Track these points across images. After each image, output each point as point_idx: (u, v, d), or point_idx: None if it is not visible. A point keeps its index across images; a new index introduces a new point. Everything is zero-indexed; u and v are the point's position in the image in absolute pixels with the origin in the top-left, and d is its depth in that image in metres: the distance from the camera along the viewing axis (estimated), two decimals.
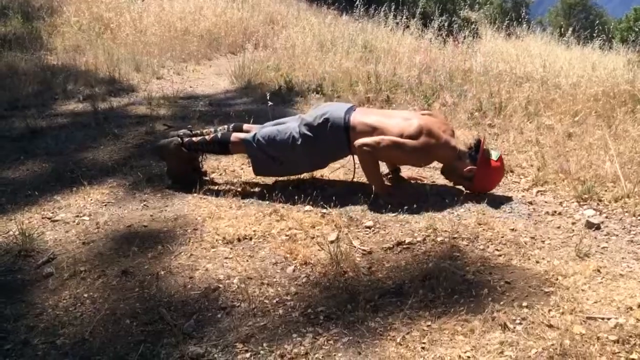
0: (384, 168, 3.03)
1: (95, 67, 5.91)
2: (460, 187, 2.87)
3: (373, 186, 2.77)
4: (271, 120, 3.03)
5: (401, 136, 2.64)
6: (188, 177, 2.97)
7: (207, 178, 3.08)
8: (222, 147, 2.94)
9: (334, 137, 2.75)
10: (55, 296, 1.99)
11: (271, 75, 5.82)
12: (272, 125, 2.93)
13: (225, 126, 3.09)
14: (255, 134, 2.87)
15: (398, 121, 2.72)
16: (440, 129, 2.75)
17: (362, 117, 2.76)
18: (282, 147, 2.81)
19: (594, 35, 8.90)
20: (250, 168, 2.97)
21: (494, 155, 2.73)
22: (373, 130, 2.69)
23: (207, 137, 2.95)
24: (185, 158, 2.95)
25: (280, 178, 3.04)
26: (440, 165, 2.89)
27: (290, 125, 2.86)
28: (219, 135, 2.95)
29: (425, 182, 3.03)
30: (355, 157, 2.85)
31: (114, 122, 4.10)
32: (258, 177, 3.04)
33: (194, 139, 2.96)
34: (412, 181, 3.03)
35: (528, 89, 4.68)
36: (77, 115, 4.37)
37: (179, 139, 2.94)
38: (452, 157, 2.75)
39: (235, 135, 2.93)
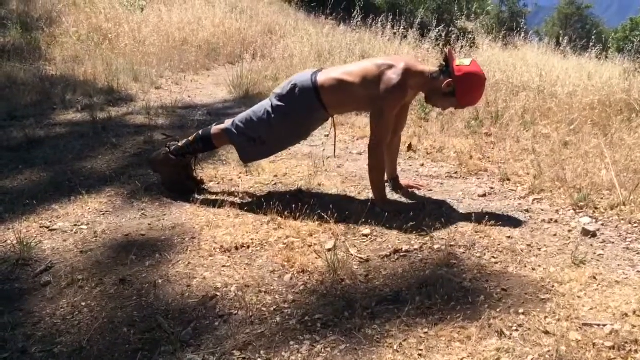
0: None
1: (93, 77, 5.94)
2: (448, 109, 2.87)
3: (372, 193, 2.78)
4: None
5: (365, 79, 2.63)
6: (183, 185, 2.98)
7: (204, 186, 3.08)
8: (206, 142, 2.93)
9: (305, 100, 2.72)
10: (53, 305, 1.99)
11: (269, 85, 5.85)
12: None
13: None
14: (233, 121, 2.87)
15: (359, 68, 2.71)
16: (398, 60, 2.70)
17: (327, 74, 2.74)
18: (261, 126, 2.79)
19: (591, 45, 8.96)
20: (244, 175, 2.98)
21: (467, 62, 2.64)
22: (340, 84, 2.68)
23: (190, 138, 2.95)
24: (176, 165, 2.94)
25: (277, 187, 3.05)
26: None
27: (264, 102, 2.86)
28: (201, 132, 2.96)
29: (422, 190, 3.04)
30: (335, 120, 2.83)
31: (113, 132, 4.11)
32: (254, 185, 3.04)
33: (179, 143, 2.97)
34: (410, 189, 3.04)
35: (525, 98, 4.72)
36: (75, 125, 4.38)
37: (167, 148, 2.95)
38: (425, 82, 2.68)
39: (216, 127, 2.92)
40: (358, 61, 2.92)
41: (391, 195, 2.96)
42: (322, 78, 2.72)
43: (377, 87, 2.62)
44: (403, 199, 2.93)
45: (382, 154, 2.75)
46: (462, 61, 2.64)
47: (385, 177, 3.02)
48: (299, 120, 2.81)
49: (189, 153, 2.97)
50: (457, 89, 2.62)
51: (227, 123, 2.89)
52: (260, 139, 2.81)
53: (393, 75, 2.61)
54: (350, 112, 2.84)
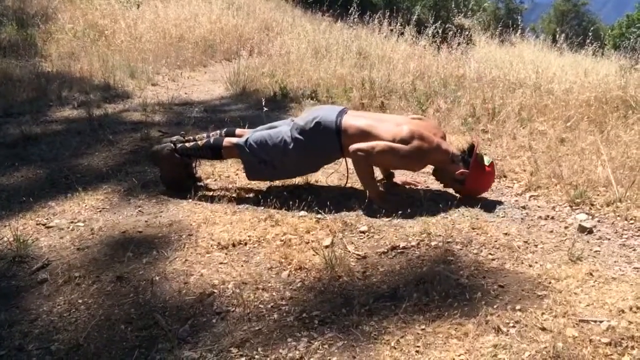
0: (377, 173, 3.04)
1: (90, 74, 5.92)
2: (451, 190, 2.89)
3: (367, 192, 2.78)
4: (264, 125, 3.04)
5: (394, 141, 2.66)
6: (181, 183, 2.97)
7: (201, 184, 3.08)
8: (215, 152, 2.94)
9: (325, 140, 2.76)
10: (49, 302, 1.99)
11: (266, 82, 5.84)
12: (264, 130, 2.94)
13: (218, 131, 3.09)
14: (247, 139, 2.87)
15: (390, 126, 2.73)
16: (431, 132, 2.76)
17: (353, 120, 2.76)
18: (275, 151, 2.81)
19: (588, 41, 8.97)
20: (244, 174, 2.98)
21: (486, 161, 2.75)
22: (364, 134, 2.70)
23: (199, 142, 2.95)
24: (178, 164, 2.94)
25: (275, 183, 3.05)
26: (432, 168, 2.91)
27: (282, 129, 2.87)
28: (212, 140, 2.95)
29: (419, 187, 3.04)
30: (348, 160, 2.87)
31: (109, 129, 4.10)
32: (252, 182, 3.04)
33: (186, 144, 2.96)
34: (407, 186, 3.04)
35: (521, 95, 4.72)
36: (71, 121, 4.37)
37: (172, 144, 2.94)
38: (444, 160, 2.76)
39: (228, 140, 2.93)
40: (389, 113, 2.97)
41: (387, 193, 2.96)
42: (346, 123, 2.74)
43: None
44: (400, 196, 2.93)
45: (369, 165, 2.79)
46: (482, 158, 2.74)
47: (381, 175, 3.03)
48: (314, 156, 2.85)
49: (194, 156, 2.98)
50: (468, 180, 2.73)
51: (241, 140, 2.89)
52: (272, 163, 2.84)
53: (425, 146, 2.67)
54: None
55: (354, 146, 2.68)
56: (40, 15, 7.74)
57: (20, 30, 7.10)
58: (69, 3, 8.46)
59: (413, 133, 2.66)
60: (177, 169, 2.96)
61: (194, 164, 3.06)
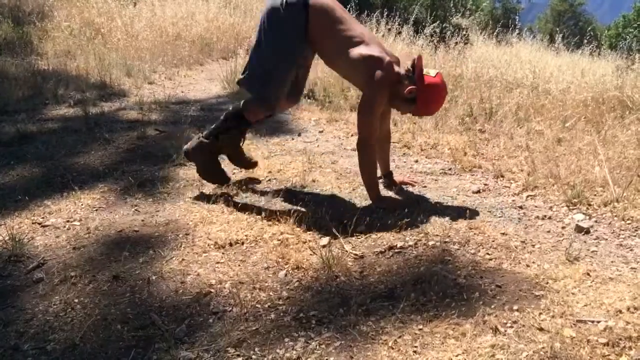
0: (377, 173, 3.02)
1: (86, 72, 5.90)
2: (406, 114, 2.86)
3: (366, 189, 2.77)
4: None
5: (356, 60, 2.61)
6: (217, 174, 2.96)
7: (255, 169, 3.14)
8: (236, 116, 2.88)
9: (293, 17, 2.64)
10: (45, 301, 1.98)
11: None
12: None
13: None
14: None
15: (357, 39, 2.66)
16: (382, 52, 2.68)
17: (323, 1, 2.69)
18: (260, 57, 2.76)
19: (585, 41, 8.99)
20: (239, 171, 2.96)
21: (432, 73, 2.65)
22: (332, 17, 2.65)
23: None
24: (210, 150, 2.90)
25: (272, 183, 3.04)
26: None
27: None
28: (230, 108, 2.93)
29: (416, 186, 3.04)
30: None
31: (105, 127, 4.09)
32: (252, 182, 3.02)
33: (211, 126, 2.94)
34: (404, 185, 3.04)
35: (518, 94, 4.72)
36: (68, 120, 4.35)
37: (200, 134, 2.93)
38: (395, 82, 2.66)
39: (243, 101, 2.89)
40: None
41: (385, 192, 2.95)
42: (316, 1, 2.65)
43: (362, 69, 2.61)
44: (397, 196, 2.93)
45: (373, 151, 2.74)
46: (428, 71, 2.65)
47: (379, 173, 3.02)
48: (284, 37, 2.70)
49: (221, 132, 2.91)
50: (418, 97, 2.64)
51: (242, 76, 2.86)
52: (266, 70, 2.74)
53: (384, 73, 2.60)
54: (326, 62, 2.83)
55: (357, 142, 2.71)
56: (36, 12, 7.71)
57: (16, 28, 7.07)
58: (65, 1, 8.43)
59: (370, 57, 2.61)
60: (209, 156, 2.91)
61: (240, 141, 3.00)
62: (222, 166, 3.00)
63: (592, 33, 10.19)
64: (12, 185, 3.04)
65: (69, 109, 4.66)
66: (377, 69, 2.60)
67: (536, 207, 2.77)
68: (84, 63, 6.11)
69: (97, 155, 3.52)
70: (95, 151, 3.59)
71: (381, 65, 2.61)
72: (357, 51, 2.63)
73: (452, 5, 13.66)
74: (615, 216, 2.61)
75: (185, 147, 2.97)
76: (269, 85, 2.75)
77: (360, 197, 2.83)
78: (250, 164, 3.13)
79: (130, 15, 8.13)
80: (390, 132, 3.14)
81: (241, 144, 3.04)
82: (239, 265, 2.20)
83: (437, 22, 8.33)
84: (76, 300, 1.97)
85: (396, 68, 2.69)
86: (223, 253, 2.29)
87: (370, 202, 2.74)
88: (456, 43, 7.76)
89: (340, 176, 3.17)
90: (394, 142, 3.12)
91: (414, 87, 2.62)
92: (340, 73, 2.93)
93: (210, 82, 6.39)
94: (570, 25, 31.71)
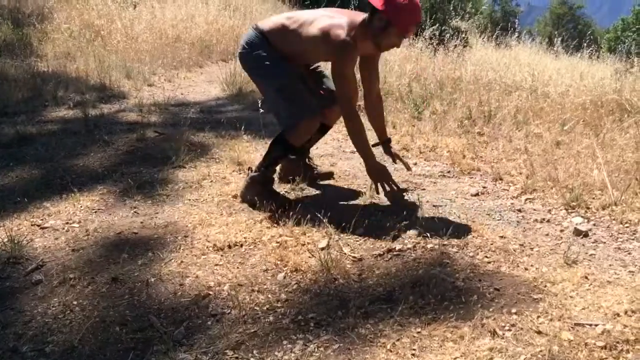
0: (371, 139, 2.91)
1: (86, 74, 5.90)
2: (402, 45, 2.83)
3: (366, 190, 2.75)
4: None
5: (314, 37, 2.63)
6: (277, 198, 2.79)
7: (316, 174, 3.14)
8: (281, 141, 2.81)
9: (259, 47, 2.74)
10: (44, 303, 1.98)
11: None
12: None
13: None
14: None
15: (308, 18, 2.71)
16: (339, 15, 2.68)
17: (267, 20, 2.82)
18: (268, 98, 2.88)
19: (584, 45, 8.99)
20: (237, 173, 2.96)
21: None
22: (284, 26, 2.72)
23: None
24: (261, 182, 2.80)
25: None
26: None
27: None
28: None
29: (414, 189, 3.04)
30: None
31: (105, 129, 4.09)
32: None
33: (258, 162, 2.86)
34: (397, 160, 3.04)
35: (517, 97, 4.73)
36: (67, 122, 4.36)
37: (248, 171, 2.86)
38: (366, 30, 2.61)
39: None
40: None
41: (382, 159, 2.93)
42: (264, 25, 2.77)
43: (321, 40, 2.61)
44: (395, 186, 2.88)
45: (356, 115, 2.71)
46: None
47: (377, 140, 3.01)
48: (266, 67, 2.76)
49: (270, 164, 2.83)
50: (388, 16, 2.53)
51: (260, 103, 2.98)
52: (275, 87, 2.78)
53: (339, 31, 2.58)
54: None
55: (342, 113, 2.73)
56: (36, 14, 7.72)
57: (16, 30, 7.08)
58: (65, 3, 8.43)
59: (323, 27, 2.62)
60: (265, 189, 2.80)
61: (307, 156, 3.07)
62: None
63: (591, 36, 10.18)
64: (11, 187, 3.04)
65: (68, 111, 4.66)
66: (332, 31, 2.59)
67: (535, 210, 2.78)
68: (83, 65, 6.12)
69: (97, 157, 3.53)
70: (95, 153, 3.59)
71: (337, 27, 2.59)
72: (312, 30, 2.65)
73: (451, 8, 13.65)
74: (614, 219, 2.61)
75: (240, 193, 2.86)
76: (293, 108, 2.74)
77: (359, 199, 2.84)
78: (325, 175, 3.15)
79: (130, 17, 8.13)
80: (381, 95, 3.11)
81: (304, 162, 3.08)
82: (238, 267, 2.20)
83: (437, 24, 8.33)
84: (75, 302, 1.97)
85: (358, 18, 2.64)
86: (222, 255, 2.29)
87: (368, 198, 2.72)
88: (455, 46, 7.77)
89: (339, 178, 3.17)
90: (392, 144, 3.11)
91: (381, 12, 2.52)
92: (320, 59, 2.95)
93: (209, 85, 6.40)
94: (570, 28, 31.80)
